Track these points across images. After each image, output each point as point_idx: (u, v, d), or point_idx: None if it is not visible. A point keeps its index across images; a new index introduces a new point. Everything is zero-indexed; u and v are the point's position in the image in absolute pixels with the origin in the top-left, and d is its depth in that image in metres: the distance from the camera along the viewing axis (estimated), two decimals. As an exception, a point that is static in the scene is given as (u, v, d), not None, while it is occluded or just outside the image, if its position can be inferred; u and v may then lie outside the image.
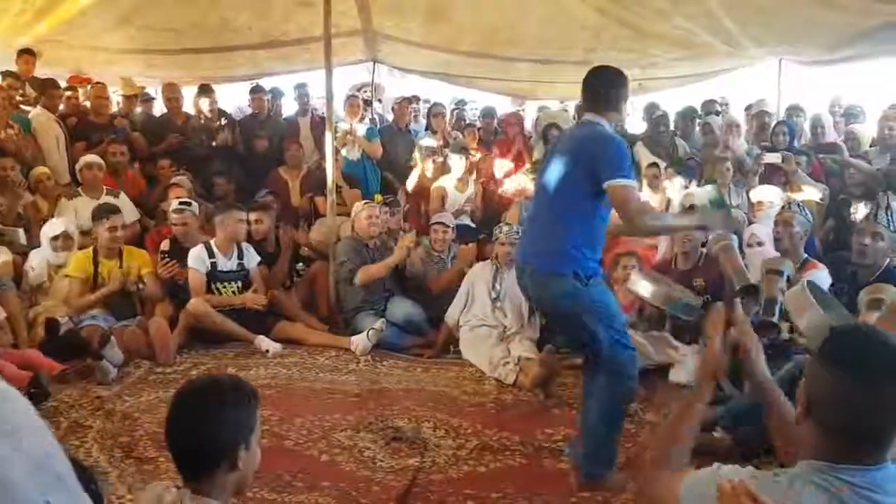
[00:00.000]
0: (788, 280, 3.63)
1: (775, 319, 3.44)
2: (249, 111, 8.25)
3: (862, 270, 3.87)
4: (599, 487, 3.16)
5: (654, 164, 6.38)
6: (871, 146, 6.38)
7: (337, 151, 6.84)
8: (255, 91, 8.07)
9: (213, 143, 7.35)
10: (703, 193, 5.58)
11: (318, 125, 7.31)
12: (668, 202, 6.00)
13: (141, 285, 5.25)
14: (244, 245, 5.61)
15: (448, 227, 5.92)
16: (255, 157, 7.45)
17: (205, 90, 7.61)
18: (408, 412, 4.08)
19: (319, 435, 3.77)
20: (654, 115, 7.40)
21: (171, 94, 7.52)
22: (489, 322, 5.06)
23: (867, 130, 6.81)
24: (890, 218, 3.81)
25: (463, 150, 6.86)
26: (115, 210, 5.42)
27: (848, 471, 1.46)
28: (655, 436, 1.90)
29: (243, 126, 7.80)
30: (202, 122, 7.42)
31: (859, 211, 4.74)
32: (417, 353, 5.23)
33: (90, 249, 5.32)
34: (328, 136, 5.95)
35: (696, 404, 1.90)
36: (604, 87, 3.20)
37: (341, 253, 5.67)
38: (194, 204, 5.78)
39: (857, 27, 5.74)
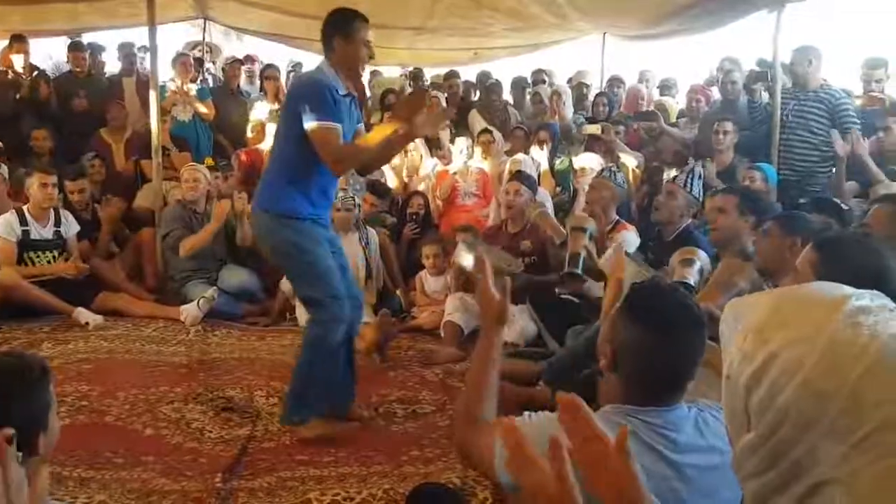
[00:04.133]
0: (591, 237, 3.86)
1: (579, 271, 3.69)
2: (66, 68, 7.66)
3: (664, 229, 4.18)
4: (300, 429, 3.30)
5: (487, 131, 6.55)
6: (678, 118, 6.88)
7: (165, 112, 6.53)
8: (75, 48, 7.50)
9: (24, 101, 6.77)
10: (529, 161, 5.80)
11: (145, 86, 6.92)
12: (502, 173, 6.17)
13: None
14: (63, 212, 5.25)
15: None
16: (72, 118, 6.94)
17: (18, 41, 6.95)
18: (240, 382, 4.00)
19: (144, 409, 3.63)
20: (487, 84, 7.59)
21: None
22: (325, 288, 5.03)
23: (676, 103, 7.34)
24: (691, 182, 4.12)
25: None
26: None
27: (647, 412, 1.60)
28: (461, 392, 1.92)
29: (60, 84, 7.23)
30: (10, 77, 6.80)
31: (670, 177, 5.10)
32: (252, 321, 5.13)
33: None
34: (152, 96, 5.66)
35: (490, 353, 1.84)
36: (326, 31, 3.19)
37: (166, 221, 5.43)
38: (3, 166, 5.32)
39: (674, 3, 6.11)
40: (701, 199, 4.20)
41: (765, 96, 5.58)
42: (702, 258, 3.06)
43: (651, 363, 1.61)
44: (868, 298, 0.86)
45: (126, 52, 7.57)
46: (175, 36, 9.31)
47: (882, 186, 4.17)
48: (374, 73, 9.22)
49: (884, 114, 5.21)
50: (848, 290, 0.89)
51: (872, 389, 0.78)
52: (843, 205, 4.01)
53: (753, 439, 0.87)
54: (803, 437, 0.81)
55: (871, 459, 0.77)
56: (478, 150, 6.39)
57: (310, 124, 3.05)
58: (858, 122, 5.14)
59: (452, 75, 8.15)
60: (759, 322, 0.89)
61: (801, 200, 4.75)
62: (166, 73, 7.08)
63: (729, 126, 5.53)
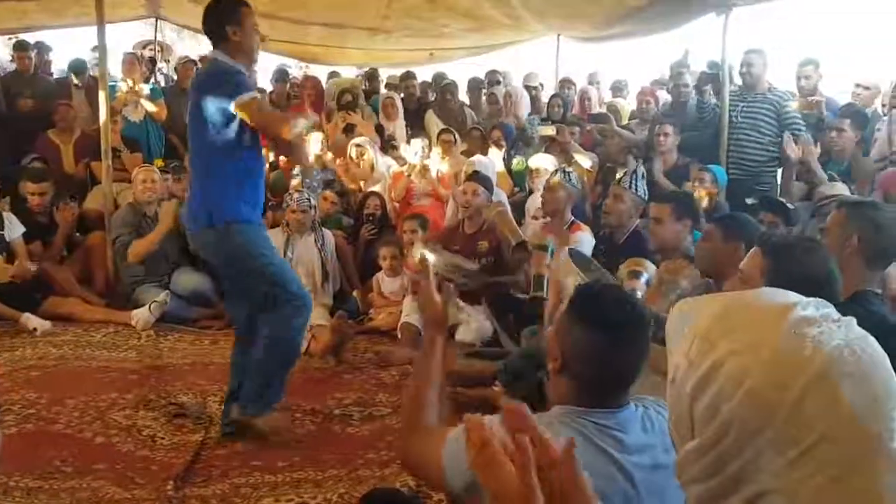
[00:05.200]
0: (552, 254, 3.89)
1: (543, 294, 3.70)
2: (11, 67, 7.48)
3: (615, 231, 4.24)
4: (251, 423, 3.27)
5: (448, 130, 6.55)
6: (630, 119, 6.98)
7: (116, 112, 6.41)
8: (20, 48, 7.31)
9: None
10: (486, 163, 5.82)
11: (95, 86, 6.78)
12: (458, 173, 6.18)
13: None
14: (5, 215, 5.13)
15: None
16: (18, 119, 6.77)
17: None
18: (193, 387, 3.95)
19: (94, 416, 3.57)
20: (443, 84, 7.61)
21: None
22: (280, 290, 4.99)
23: (627, 104, 7.44)
24: (635, 182, 4.19)
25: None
26: None
27: (596, 414, 1.61)
28: (403, 399, 1.91)
29: (5, 84, 7.06)
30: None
31: (616, 179, 5.17)
32: (206, 325, 5.05)
33: None
34: (101, 96, 5.55)
35: (431, 359, 1.86)
36: (214, 22, 3.16)
37: (115, 225, 5.33)
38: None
39: (625, 6, 6.18)
40: (646, 197, 4.28)
41: (713, 97, 5.69)
42: (649, 269, 3.10)
43: (599, 363, 1.62)
44: (813, 307, 0.87)
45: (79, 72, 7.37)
46: (127, 35, 9.15)
47: (826, 187, 4.28)
48: (332, 74, 9.17)
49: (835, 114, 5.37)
50: (793, 297, 0.89)
51: (814, 402, 0.79)
52: (789, 205, 4.11)
53: (697, 446, 0.87)
54: (747, 447, 0.82)
55: (811, 471, 0.78)
56: (436, 150, 6.38)
57: (237, 100, 2.99)
58: (803, 123, 5.28)
59: (409, 76, 8.16)
60: (704, 328, 0.89)
61: (749, 200, 4.85)
62: (117, 73, 6.95)
63: (669, 129, 5.67)
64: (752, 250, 2.10)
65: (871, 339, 0.85)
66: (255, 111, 3.09)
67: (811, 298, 0.89)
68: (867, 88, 5.82)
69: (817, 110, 5.32)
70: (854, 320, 0.87)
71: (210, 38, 3.22)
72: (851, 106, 5.48)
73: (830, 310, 0.87)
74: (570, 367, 1.66)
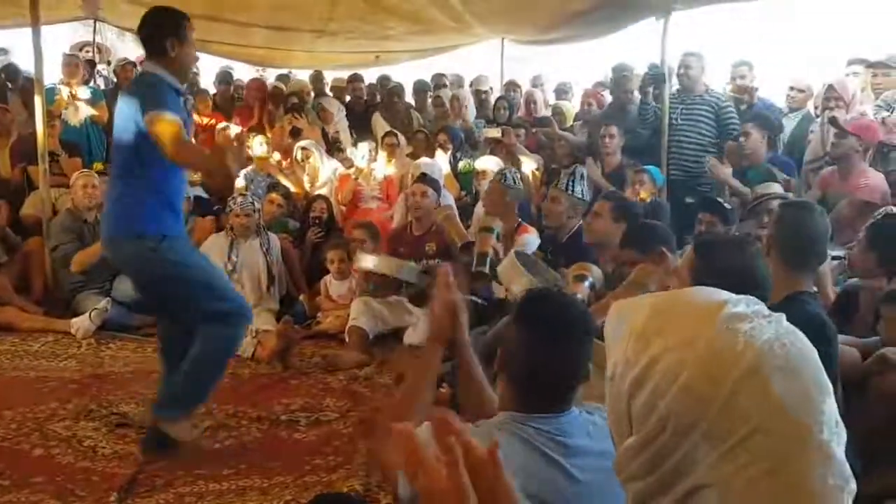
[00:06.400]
0: (498, 237, 3.91)
1: (486, 270, 3.73)
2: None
3: (558, 231, 4.30)
4: (167, 426, 3.18)
5: (392, 133, 6.54)
6: (574, 121, 7.08)
7: (54, 116, 6.24)
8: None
9: None
10: (433, 165, 5.83)
11: (30, 89, 6.58)
12: (403, 176, 6.18)
13: None
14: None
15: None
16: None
17: None
18: (136, 396, 3.87)
19: (32, 427, 3.48)
20: (388, 87, 7.60)
21: None
22: (225, 295, 4.91)
23: (572, 106, 7.54)
24: (572, 184, 4.26)
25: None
26: None
27: (539, 419, 1.63)
28: (392, 402, 1.93)
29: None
30: None
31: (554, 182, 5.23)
32: (148, 332, 4.92)
33: None
34: (37, 99, 5.41)
35: (428, 368, 1.90)
36: (155, 34, 3.05)
37: (55, 232, 5.20)
38: None
39: (567, 11, 6.27)
40: (586, 198, 4.34)
41: (654, 99, 5.80)
42: (594, 273, 3.15)
43: (535, 365, 1.64)
44: (744, 304, 0.88)
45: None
46: (67, 38, 8.94)
47: (761, 187, 4.41)
48: (280, 77, 9.06)
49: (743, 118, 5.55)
50: (725, 295, 0.91)
51: (746, 396, 0.81)
52: (726, 205, 4.23)
53: (636, 443, 0.88)
54: (683, 442, 0.83)
55: (744, 463, 0.80)
56: (382, 153, 6.37)
57: (150, 114, 2.85)
58: (739, 124, 5.43)
59: (356, 78, 8.12)
60: (640, 326, 0.90)
61: (689, 200, 4.96)
62: (53, 76, 6.77)
63: (614, 130, 5.77)
64: (687, 250, 2.16)
65: (801, 333, 0.88)
66: (159, 129, 2.85)
67: (741, 296, 0.91)
68: (801, 91, 6.00)
69: (748, 96, 5.50)
70: (783, 316, 0.89)
71: (146, 49, 3.10)
72: (759, 113, 5.65)
73: (761, 306, 0.89)
74: (510, 369, 1.69)
